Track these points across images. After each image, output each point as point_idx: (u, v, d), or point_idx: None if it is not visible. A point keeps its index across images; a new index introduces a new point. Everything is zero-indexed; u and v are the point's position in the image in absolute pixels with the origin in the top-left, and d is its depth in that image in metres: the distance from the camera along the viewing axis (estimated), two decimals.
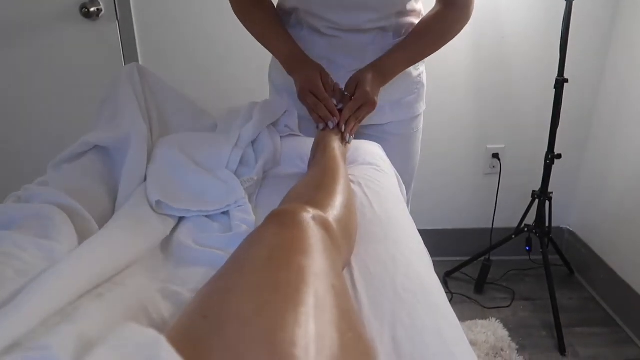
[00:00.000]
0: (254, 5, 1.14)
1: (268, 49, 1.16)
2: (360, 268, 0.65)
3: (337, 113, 1.00)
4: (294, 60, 1.09)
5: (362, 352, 0.39)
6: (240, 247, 0.50)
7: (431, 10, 1.14)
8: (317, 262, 0.45)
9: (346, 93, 1.02)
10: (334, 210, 0.63)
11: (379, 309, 0.58)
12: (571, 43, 1.64)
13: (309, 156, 0.98)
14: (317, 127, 1.00)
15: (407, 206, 1.33)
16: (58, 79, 1.80)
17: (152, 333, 0.31)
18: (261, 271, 0.44)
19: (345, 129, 0.99)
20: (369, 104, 1.01)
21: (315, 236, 0.50)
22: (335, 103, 1.02)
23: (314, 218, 0.53)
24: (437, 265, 0.73)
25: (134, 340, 0.31)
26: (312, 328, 0.36)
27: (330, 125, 0.98)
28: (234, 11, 1.16)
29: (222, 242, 0.71)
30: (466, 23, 1.14)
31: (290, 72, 1.10)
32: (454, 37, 1.14)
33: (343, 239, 0.61)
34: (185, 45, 1.80)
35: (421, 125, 1.30)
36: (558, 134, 1.76)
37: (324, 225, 0.54)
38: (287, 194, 0.73)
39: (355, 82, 1.02)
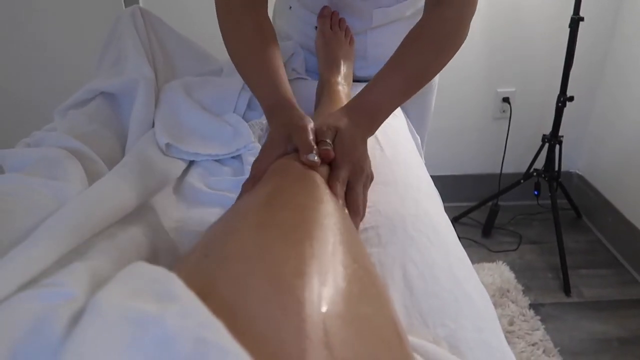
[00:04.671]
0: (246, 16, 0.80)
1: (246, 82, 0.80)
2: (370, 209, 0.65)
3: None
4: (274, 112, 0.72)
5: (367, 283, 0.40)
6: (244, 196, 0.50)
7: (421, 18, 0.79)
8: (320, 203, 0.45)
9: (327, 146, 0.62)
10: None
11: (389, 248, 0.58)
12: None
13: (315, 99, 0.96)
14: None
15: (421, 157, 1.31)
16: (58, 25, 1.76)
17: (163, 270, 0.32)
18: (263, 212, 0.44)
19: (349, 208, 0.60)
20: (360, 172, 0.63)
21: (318, 180, 0.49)
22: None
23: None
24: (445, 211, 0.72)
25: (145, 277, 0.31)
26: (316, 261, 0.36)
27: None
28: (219, 19, 0.82)
29: (234, 185, 0.71)
30: (468, 22, 0.81)
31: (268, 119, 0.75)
32: (456, 45, 0.80)
33: None
34: None
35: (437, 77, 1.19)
36: (570, 78, 1.71)
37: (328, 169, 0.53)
38: None
39: (333, 133, 0.65)
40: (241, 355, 0.25)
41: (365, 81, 0.94)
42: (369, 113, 0.70)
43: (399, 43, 0.78)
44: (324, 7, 1.04)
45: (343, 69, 0.98)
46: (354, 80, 1.04)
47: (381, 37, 1.07)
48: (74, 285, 0.36)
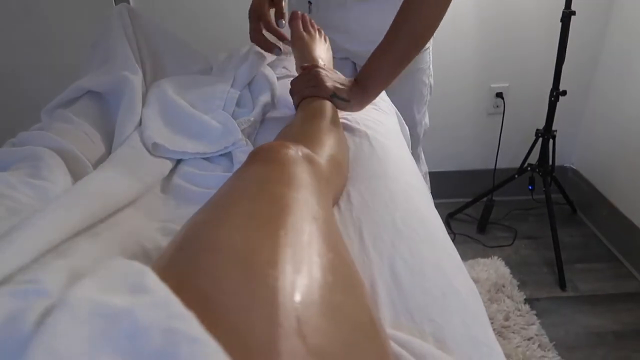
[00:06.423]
0: None
1: None
2: (360, 204, 0.65)
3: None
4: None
5: (343, 272, 0.39)
6: (221, 186, 0.50)
7: None
8: (297, 193, 0.45)
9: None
10: (320, 145, 0.63)
11: (378, 243, 0.58)
12: None
13: None
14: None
15: (418, 146, 1.37)
16: (48, 24, 1.75)
17: (136, 264, 0.31)
18: (237, 202, 0.43)
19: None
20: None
21: (296, 169, 0.49)
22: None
23: (296, 153, 0.52)
24: (440, 207, 0.72)
25: (118, 270, 0.31)
26: (290, 251, 0.36)
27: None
28: None
29: (221, 181, 0.71)
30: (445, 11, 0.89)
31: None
32: (432, 32, 0.92)
33: (332, 172, 0.60)
34: None
35: (426, 64, 1.30)
36: (563, 72, 1.71)
37: (308, 159, 0.53)
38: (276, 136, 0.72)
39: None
40: (211, 345, 0.25)
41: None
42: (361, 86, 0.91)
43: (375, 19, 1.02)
44: (293, 12, 1.05)
45: (324, 65, 0.98)
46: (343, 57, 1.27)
47: (359, 12, 1.20)
48: (51, 283, 0.35)
